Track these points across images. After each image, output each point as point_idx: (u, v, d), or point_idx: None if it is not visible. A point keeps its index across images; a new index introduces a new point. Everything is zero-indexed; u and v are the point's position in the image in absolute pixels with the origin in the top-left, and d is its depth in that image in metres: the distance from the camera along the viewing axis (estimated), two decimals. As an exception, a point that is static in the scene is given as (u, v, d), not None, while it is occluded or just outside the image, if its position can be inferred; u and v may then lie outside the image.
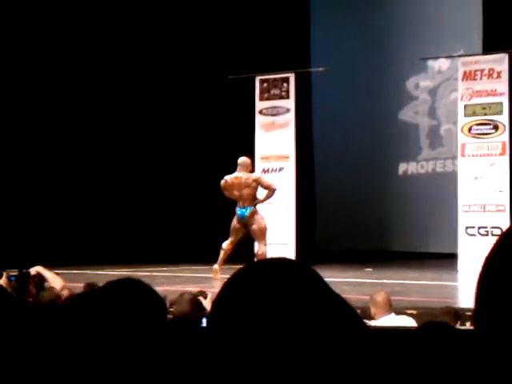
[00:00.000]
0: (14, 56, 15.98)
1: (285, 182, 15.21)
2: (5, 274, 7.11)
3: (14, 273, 7.18)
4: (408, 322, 6.85)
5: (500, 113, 13.62)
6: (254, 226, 12.65)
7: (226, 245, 12.88)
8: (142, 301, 1.54)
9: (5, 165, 16.07)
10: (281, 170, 15.49)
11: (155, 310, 1.54)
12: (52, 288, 6.80)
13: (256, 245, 12.94)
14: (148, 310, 1.52)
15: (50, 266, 8.16)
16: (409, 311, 7.87)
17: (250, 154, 15.62)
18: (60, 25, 16.45)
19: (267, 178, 13.34)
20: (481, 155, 13.69)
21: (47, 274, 7.15)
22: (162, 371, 1.44)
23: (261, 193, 12.92)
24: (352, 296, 7.39)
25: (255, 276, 1.15)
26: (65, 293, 6.64)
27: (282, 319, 1.11)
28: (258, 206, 12.92)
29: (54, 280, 7.02)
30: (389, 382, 1.26)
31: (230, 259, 15.98)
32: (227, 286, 1.17)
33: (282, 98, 15.57)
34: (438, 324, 1.41)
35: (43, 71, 16.45)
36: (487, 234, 13.32)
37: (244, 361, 1.09)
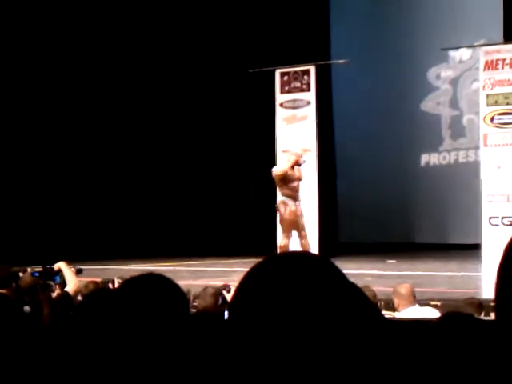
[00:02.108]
0: (14, 56, 16.02)
1: (306, 174, 15.17)
2: (29, 270, 7.15)
3: (39, 269, 7.22)
4: (432, 313, 6.82)
5: (522, 102, 13.53)
6: (281, 217, 12.64)
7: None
8: (165, 295, 1.55)
9: (31, 163, 16.16)
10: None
11: (177, 305, 1.54)
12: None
13: (279, 236, 12.90)
14: (170, 305, 1.53)
15: (74, 261, 8.21)
16: (433, 302, 7.85)
17: (271, 147, 15.62)
18: (62, 25, 16.47)
19: (279, 175, 12.92)
20: (503, 145, 13.60)
21: (66, 271, 7.17)
22: (183, 363, 1.45)
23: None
24: (375, 288, 7.38)
25: (273, 270, 1.15)
26: (90, 286, 6.68)
27: (300, 312, 1.11)
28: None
29: (70, 280, 7.04)
30: (410, 373, 1.26)
31: (253, 251, 16.03)
32: (246, 279, 1.18)
33: (302, 90, 15.53)
34: (459, 314, 1.41)
35: (51, 64, 16.49)
36: (511, 224, 13.24)
37: (263, 352, 1.10)
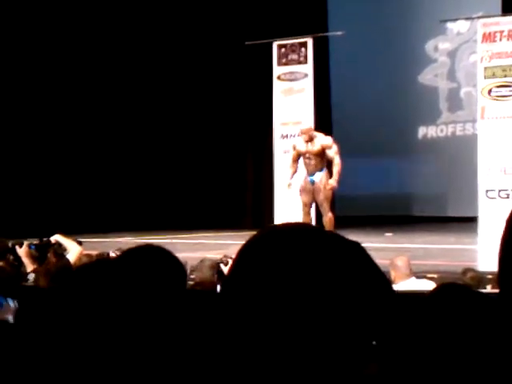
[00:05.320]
0: (15, 54, 15.99)
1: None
2: (25, 243, 7.16)
3: (35, 242, 7.23)
4: (429, 285, 6.84)
5: (520, 74, 13.48)
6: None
7: None
8: (162, 267, 1.54)
9: (28, 136, 16.13)
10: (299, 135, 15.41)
11: (175, 276, 1.54)
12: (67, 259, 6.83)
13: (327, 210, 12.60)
14: (168, 276, 1.52)
15: (71, 234, 8.21)
16: (429, 275, 7.86)
17: (269, 120, 15.58)
18: (61, 24, 16.40)
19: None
20: (501, 117, 13.57)
21: (65, 241, 7.18)
22: (181, 337, 1.45)
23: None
24: (372, 261, 7.37)
25: (271, 242, 1.14)
26: (84, 260, 6.69)
27: (298, 285, 1.10)
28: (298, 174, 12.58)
29: (72, 247, 7.05)
30: (405, 345, 1.25)
31: (250, 224, 16.03)
32: (244, 252, 1.17)
33: (299, 63, 15.46)
34: (455, 285, 1.40)
35: (51, 55, 16.46)
36: (508, 197, 13.23)
37: (258, 328, 1.09)
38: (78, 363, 1.39)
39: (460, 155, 17.13)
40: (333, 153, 12.20)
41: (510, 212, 1.24)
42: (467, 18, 16.63)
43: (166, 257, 1.59)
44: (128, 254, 1.57)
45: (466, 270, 7.03)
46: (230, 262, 6.50)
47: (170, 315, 1.46)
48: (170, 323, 1.45)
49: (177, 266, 1.60)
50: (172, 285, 1.51)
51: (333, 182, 12.08)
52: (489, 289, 6.32)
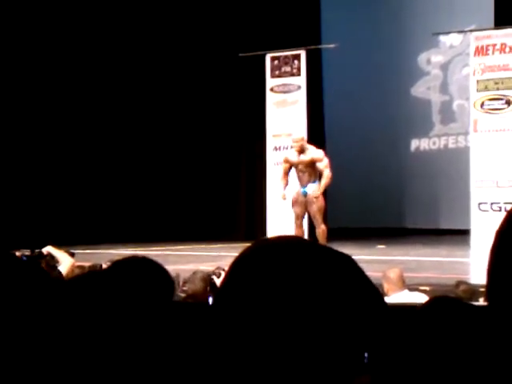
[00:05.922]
0: (15, 53, 16.01)
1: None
2: (17, 254, 7.12)
3: (27, 253, 7.20)
4: (421, 298, 6.83)
5: (513, 87, 13.53)
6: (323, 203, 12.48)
7: None
8: (149, 278, 1.53)
9: (20, 145, 16.10)
10: (292, 147, 15.42)
11: (162, 287, 1.53)
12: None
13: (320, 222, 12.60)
14: (155, 287, 1.51)
15: (64, 245, 8.19)
16: (422, 287, 7.86)
17: (262, 132, 15.60)
18: (61, 24, 16.42)
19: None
20: (493, 130, 13.61)
21: (57, 253, 7.15)
22: (166, 351, 1.44)
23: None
24: (365, 273, 7.35)
25: (264, 255, 1.14)
26: (76, 272, 6.66)
27: (289, 298, 1.10)
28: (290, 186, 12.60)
29: (64, 259, 7.02)
30: (397, 358, 1.25)
31: (243, 236, 16.02)
32: (236, 265, 1.16)
33: (293, 75, 15.50)
34: (447, 298, 1.40)
35: (52, 54, 16.46)
36: (500, 210, 13.25)
37: (249, 341, 1.08)
38: (70, 372, 1.38)
39: (452, 168, 17.16)
40: (323, 166, 12.23)
41: (499, 225, 1.24)
42: (460, 31, 16.70)
43: (153, 268, 1.59)
44: (115, 266, 1.56)
45: (459, 283, 7.04)
46: (223, 274, 6.48)
47: (155, 326, 1.45)
48: (156, 334, 1.44)
49: (164, 276, 1.59)
50: (159, 296, 1.50)
51: (317, 191, 12.11)
52: (481, 301, 6.32)
